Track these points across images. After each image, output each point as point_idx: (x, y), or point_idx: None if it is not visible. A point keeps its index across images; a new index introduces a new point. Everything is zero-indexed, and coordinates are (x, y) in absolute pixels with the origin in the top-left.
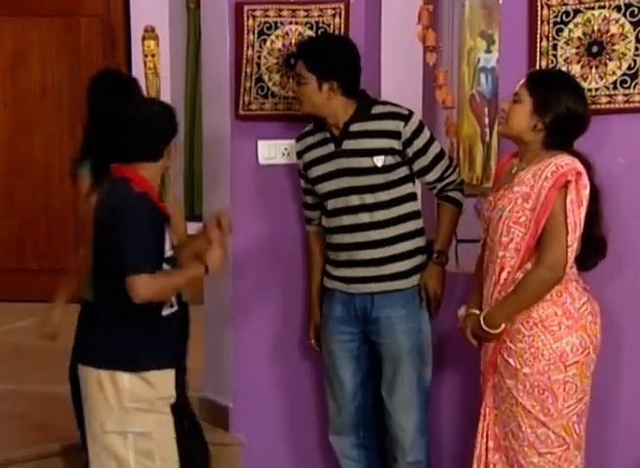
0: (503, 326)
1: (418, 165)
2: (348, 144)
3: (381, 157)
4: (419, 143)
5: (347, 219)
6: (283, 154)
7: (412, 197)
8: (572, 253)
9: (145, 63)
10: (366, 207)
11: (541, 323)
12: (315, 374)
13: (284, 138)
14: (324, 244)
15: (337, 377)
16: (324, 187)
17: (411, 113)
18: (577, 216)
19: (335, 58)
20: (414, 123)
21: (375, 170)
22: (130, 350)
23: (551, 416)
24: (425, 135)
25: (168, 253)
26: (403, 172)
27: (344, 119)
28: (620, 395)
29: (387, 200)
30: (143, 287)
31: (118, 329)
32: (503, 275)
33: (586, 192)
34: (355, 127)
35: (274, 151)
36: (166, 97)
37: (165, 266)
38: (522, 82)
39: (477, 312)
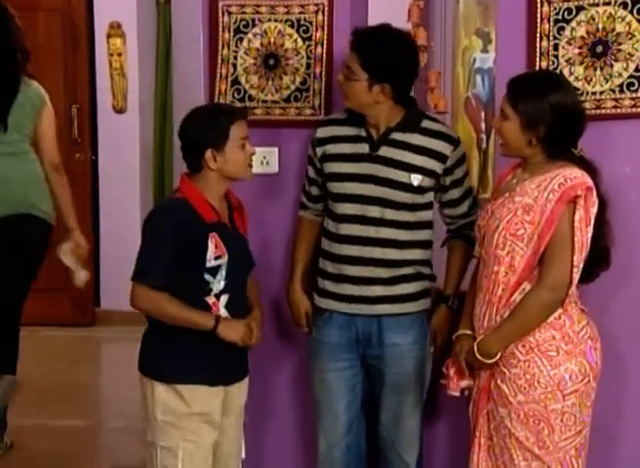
0: (499, 354)
1: (450, 195)
2: (387, 152)
3: (420, 176)
4: (459, 173)
5: (362, 231)
6: (262, 163)
7: (431, 225)
8: (576, 275)
9: (111, 63)
10: (386, 222)
11: (538, 347)
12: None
13: (263, 146)
14: (316, 236)
15: (330, 411)
16: (344, 188)
17: (459, 139)
18: (584, 235)
19: (394, 59)
20: (460, 150)
21: (408, 187)
22: (162, 360)
23: (547, 449)
24: (465, 165)
25: (212, 262)
26: (430, 197)
27: (388, 125)
28: (622, 425)
29: (412, 221)
30: (140, 297)
31: (156, 336)
32: (498, 292)
33: (594, 210)
34: (398, 136)
35: (253, 160)
36: (133, 100)
37: (207, 277)
38: (504, 96)
39: (469, 333)
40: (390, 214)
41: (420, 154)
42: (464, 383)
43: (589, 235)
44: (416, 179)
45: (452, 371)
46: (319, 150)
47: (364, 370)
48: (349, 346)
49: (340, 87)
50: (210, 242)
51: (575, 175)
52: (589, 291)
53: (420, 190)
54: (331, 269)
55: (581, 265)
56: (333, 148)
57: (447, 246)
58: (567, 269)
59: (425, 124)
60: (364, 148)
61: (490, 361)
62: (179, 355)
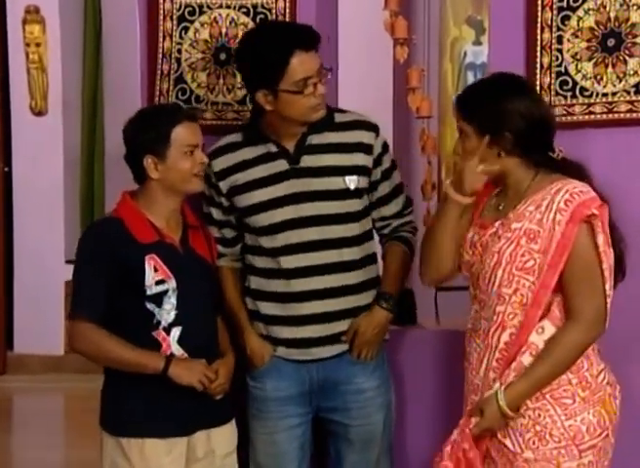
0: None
1: (380, 191)
2: (310, 160)
3: (354, 177)
4: (387, 162)
5: (306, 260)
6: None
7: (372, 234)
8: (609, 306)
9: (28, 55)
10: (331, 243)
11: (551, 393)
12: None
13: None
14: (241, 284)
15: None
16: (270, 218)
17: (377, 124)
18: (610, 259)
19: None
20: (382, 137)
21: (346, 193)
22: (109, 408)
23: None
24: (391, 153)
25: (153, 289)
26: (366, 200)
27: (301, 130)
28: None
29: (359, 234)
30: (78, 338)
31: (106, 380)
32: (504, 337)
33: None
34: (315, 139)
35: None
36: (55, 99)
37: (150, 306)
38: (455, 112)
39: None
40: (333, 232)
41: (345, 152)
42: None
43: (612, 257)
44: (352, 182)
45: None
46: (223, 185)
47: (314, 425)
48: (301, 399)
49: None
50: (147, 265)
51: (579, 188)
52: None
53: (357, 194)
54: (273, 311)
55: (612, 293)
56: (240, 177)
57: (382, 251)
58: (602, 301)
59: (339, 118)
60: (281, 165)
61: (514, 414)
62: (124, 403)
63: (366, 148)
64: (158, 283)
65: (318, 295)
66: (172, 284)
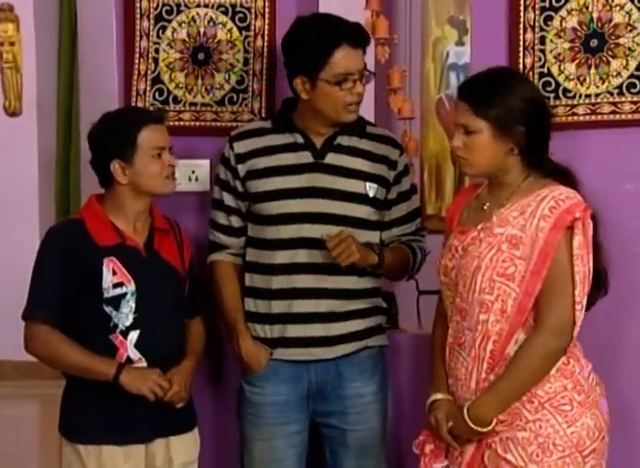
0: (495, 420)
1: (396, 211)
2: (335, 159)
3: (375, 185)
4: (406, 183)
5: (311, 256)
6: (190, 179)
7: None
8: (580, 313)
9: (2, 54)
10: None
11: (549, 402)
12: None
13: (191, 158)
14: (241, 282)
15: None
16: (285, 207)
17: (402, 144)
18: (586, 265)
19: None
20: (405, 157)
21: (365, 199)
22: (67, 414)
23: None
24: (410, 176)
25: (110, 291)
26: (380, 213)
27: (331, 130)
28: None
29: (366, 243)
30: (32, 340)
31: (67, 385)
32: (488, 345)
33: (591, 233)
34: (345, 141)
35: (178, 174)
36: (30, 100)
37: (108, 309)
38: (461, 106)
39: (445, 397)
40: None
41: (370, 160)
42: (439, 465)
43: (591, 264)
44: (371, 189)
45: (428, 449)
46: (242, 168)
47: (311, 431)
48: (299, 403)
49: None
50: (105, 268)
51: (565, 194)
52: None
53: (374, 203)
54: (273, 309)
55: (585, 301)
56: (261, 162)
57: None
58: (569, 307)
59: (369, 129)
60: (306, 157)
61: (485, 429)
62: (82, 409)
63: (390, 163)
64: (116, 286)
65: (322, 294)
66: (131, 287)
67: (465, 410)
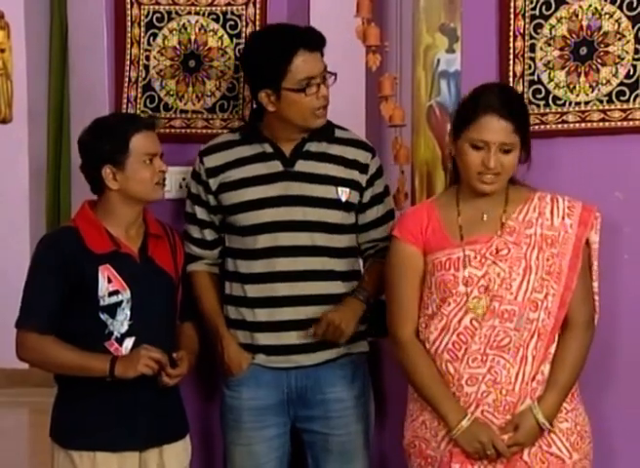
0: None
1: (369, 215)
2: (305, 166)
3: (347, 190)
4: (379, 186)
5: (289, 264)
6: (181, 186)
7: (356, 252)
8: (596, 304)
9: None
10: (316, 250)
11: (577, 390)
12: None
13: (181, 165)
14: (219, 289)
15: None
16: (256, 218)
17: (374, 147)
18: (597, 259)
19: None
20: (378, 160)
21: (337, 204)
22: (59, 420)
23: None
24: (384, 178)
25: (106, 299)
26: (354, 217)
27: (300, 137)
28: None
29: (344, 247)
30: (24, 346)
31: (59, 391)
32: (538, 344)
33: None
34: (314, 147)
35: (168, 182)
36: (21, 107)
37: (103, 317)
38: (498, 125)
39: (475, 419)
40: (322, 240)
41: (341, 165)
42: None
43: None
44: (343, 193)
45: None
46: (214, 182)
47: (292, 436)
48: (280, 408)
49: None
50: (101, 276)
51: (565, 196)
52: None
53: (347, 207)
54: (253, 317)
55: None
56: (233, 174)
57: (365, 265)
58: (592, 299)
59: (338, 133)
60: (275, 166)
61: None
62: (76, 414)
63: (361, 167)
64: (112, 294)
65: (301, 301)
66: (126, 295)
67: (536, 408)
